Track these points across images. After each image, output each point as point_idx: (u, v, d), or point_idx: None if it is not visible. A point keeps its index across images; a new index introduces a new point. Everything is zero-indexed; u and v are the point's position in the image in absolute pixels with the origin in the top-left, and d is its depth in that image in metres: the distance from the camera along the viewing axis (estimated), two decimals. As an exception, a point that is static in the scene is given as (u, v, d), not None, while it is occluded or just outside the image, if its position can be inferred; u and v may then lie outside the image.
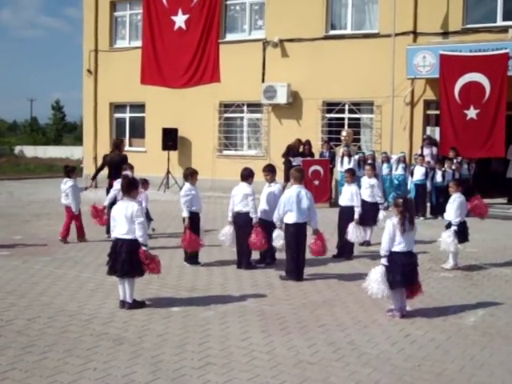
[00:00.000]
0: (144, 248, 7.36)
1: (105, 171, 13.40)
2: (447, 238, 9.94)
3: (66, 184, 12.04)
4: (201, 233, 10.22)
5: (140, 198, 9.17)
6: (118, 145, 13.52)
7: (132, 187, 7.59)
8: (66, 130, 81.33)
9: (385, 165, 17.87)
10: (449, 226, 10.22)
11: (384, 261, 7.28)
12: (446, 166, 16.50)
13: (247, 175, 10.00)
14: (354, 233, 10.58)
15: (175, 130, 22.60)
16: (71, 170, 12.36)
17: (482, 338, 6.68)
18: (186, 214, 9.95)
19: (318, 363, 5.82)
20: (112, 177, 12.68)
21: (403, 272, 7.24)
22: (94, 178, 13.80)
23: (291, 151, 18.82)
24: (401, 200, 7.47)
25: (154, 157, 22.73)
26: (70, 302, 7.79)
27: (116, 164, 12.77)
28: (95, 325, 6.85)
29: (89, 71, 24.73)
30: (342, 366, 5.76)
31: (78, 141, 56.94)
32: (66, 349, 6.05)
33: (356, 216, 10.72)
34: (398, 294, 7.34)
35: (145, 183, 11.49)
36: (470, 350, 6.26)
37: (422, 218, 15.98)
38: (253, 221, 9.71)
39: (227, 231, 10.00)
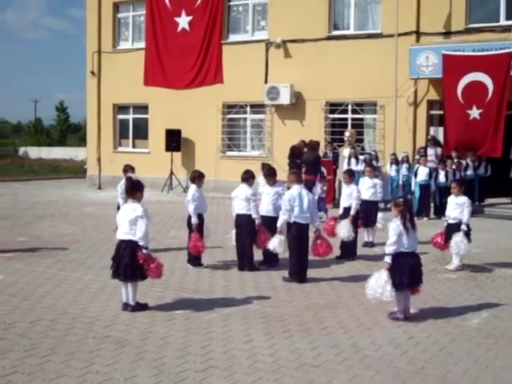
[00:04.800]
0: (144, 251, 7.32)
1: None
2: (460, 242, 9.86)
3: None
4: (205, 233, 10.22)
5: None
6: (314, 146, 16.29)
7: (136, 189, 7.58)
8: (70, 131, 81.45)
9: (393, 166, 17.85)
10: (453, 226, 10.18)
11: (388, 259, 7.24)
12: (447, 165, 16.50)
13: (247, 178, 9.99)
14: (345, 230, 10.52)
15: (178, 131, 22.60)
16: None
17: (486, 340, 6.66)
18: (195, 220, 9.90)
19: (320, 366, 5.80)
20: (308, 173, 15.10)
21: (411, 274, 7.23)
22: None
23: (295, 152, 18.73)
24: (401, 200, 7.47)
25: (158, 158, 22.75)
26: (73, 304, 7.78)
27: (311, 162, 15.60)
28: (98, 327, 6.85)
29: (92, 73, 24.75)
30: (345, 369, 5.74)
31: (82, 142, 57.05)
32: (68, 352, 6.04)
33: (352, 212, 10.69)
34: (402, 296, 7.31)
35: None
36: (474, 353, 6.24)
37: (425, 219, 15.97)
38: (256, 222, 9.72)
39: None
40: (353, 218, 10.71)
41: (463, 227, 9.98)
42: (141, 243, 7.28)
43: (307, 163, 15.77)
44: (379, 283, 7.14)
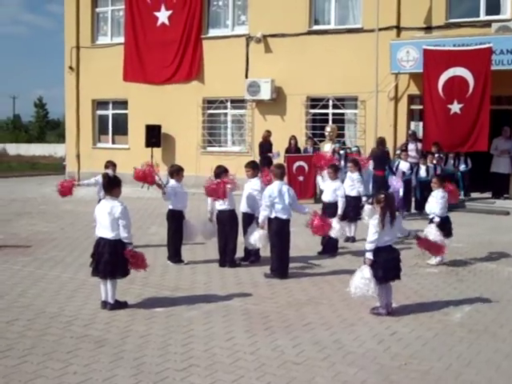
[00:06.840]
0: (129, 247, 7.23)
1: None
2: (432, 232, 9.90)
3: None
4: (185, 231, 10.12)
5: None
6: (381, 142, 16.37)
7: (113, 186, 7.42)
8: (49, 128, 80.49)
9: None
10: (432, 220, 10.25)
11: (369, 255, 7.17)
12: (427, 160, 16.48)
13: (220, 173, 9.91)
14: (336, 228, 10.50)
15: (158, 127, 22.39)
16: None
17: (468, 334, 6.62)
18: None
19: (303, 363, 5.72)
20: (376, 168, 15.28)
21: (385, 267, 7.17)
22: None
23: (264, 145, 18.58)
24: (382, 196, 7.40)
25: (138, 154, 22.47)
26: (51, 303, 7.63)
27: (379, 157, 15.53)
28: (76, 327, 6.71)
29: (71, 68, 24.44)
30: (328, 366, 5.66)
31: (61, 138, 56.47)
32: (45, 352, 5.90)
33: (339, 212, 10.64)
34: (384, 291, 7.25)
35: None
36: (457, 348, 6.20)
37: (406, 213, 15.95)
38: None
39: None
40: (341, 216, 10.67)
41: (436, 219, 10.06)
42: (126, 241, 7.19)
43: (375, 159, 15.60)
44: (363, 280, 7.07)
